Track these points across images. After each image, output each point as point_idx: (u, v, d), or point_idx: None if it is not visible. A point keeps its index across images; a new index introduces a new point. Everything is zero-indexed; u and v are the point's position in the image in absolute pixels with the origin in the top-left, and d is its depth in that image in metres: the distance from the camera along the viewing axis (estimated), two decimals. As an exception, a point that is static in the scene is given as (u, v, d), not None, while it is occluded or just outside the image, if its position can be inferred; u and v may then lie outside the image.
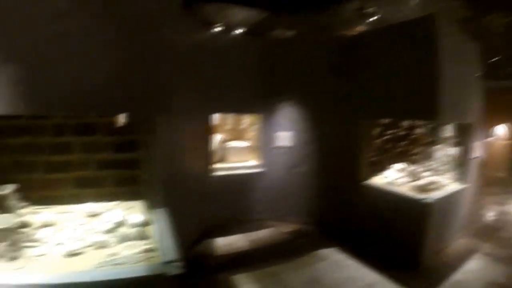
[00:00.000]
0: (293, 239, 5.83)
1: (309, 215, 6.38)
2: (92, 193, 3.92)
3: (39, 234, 3.12)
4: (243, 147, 7.25)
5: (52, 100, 2.69)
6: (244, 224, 6.17)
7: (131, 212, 3.74)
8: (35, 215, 3.46)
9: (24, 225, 3.15)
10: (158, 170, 3.82)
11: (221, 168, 6.61)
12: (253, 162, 6.98)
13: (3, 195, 3.21)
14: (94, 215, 3.64)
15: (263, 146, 6.76)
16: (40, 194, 3.74)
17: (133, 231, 3.22)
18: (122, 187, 4.08)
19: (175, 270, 2.31)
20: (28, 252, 2.87)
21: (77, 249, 2.91)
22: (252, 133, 7.64)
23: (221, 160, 7.00)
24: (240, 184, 6.55)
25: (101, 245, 3.01)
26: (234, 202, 6.40)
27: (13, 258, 2.74)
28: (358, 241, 5.33)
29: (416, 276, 4.46)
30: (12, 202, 3.36)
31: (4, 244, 2.68)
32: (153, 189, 3.62)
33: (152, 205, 3.55)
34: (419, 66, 4.54)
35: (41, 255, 2.86)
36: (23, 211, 3.42)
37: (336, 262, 4.90)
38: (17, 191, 3.36)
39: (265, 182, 6.64)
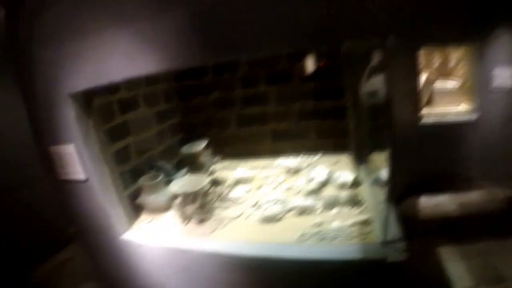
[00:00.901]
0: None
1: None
2: (291, 146, 3.06)
3: (233, 193, 2.44)
4: (451, 89, 5.15)
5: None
6: (452, 183, 4.76)
7: (337, 169, 2.63)
8: (229, 171, 2.87)
9: (217, 182, 2.56)
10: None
11: (426, 115, 4.75)
12: (463, 107, 4.89)
13: (195, 152, 2.74)
14: (294, 171, 2.68)
15: (476, 88, 4.48)
16: (234, 149, 3.23)
17: (342, 194, 2.23)
18: (324, 139, 3.01)
19: (396, 255, 1.60)
20: (219, 214, 2.20)
21: (275, 214, 2.08)
22: (462, 71, 5.02)
23: (426, 104, 5.14)
24: (447, 134, 4.60)
25: (304, 210, 2.11)
26: (440, 155, 4.57)
27: (203, 221, 2.10)
28: None
29: None
30: (205, 158, 2.89)
31: (194, 205, 2.05)
32: (362, 141, 2.70)
33: (360, 160, 2.70)
34: None
35: (234, 218, 2.14)
36: (216, 167, 2.89)
37: None
38: (209, 147, 2.87)
39: (478, 133, 4.34)
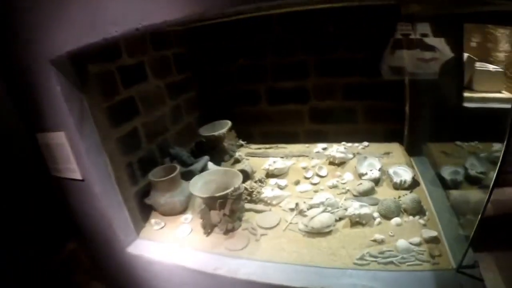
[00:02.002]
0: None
1: None
2: (332, 130, 2.53)
3: (266, 191, 1.94)
4: (495, 72, 4.40)
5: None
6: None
7: (390, 162, 2.13)
8: (258, 159, 2.38)
9: (245, 175, 2.08)
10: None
11: (467, 98, 4.09)
12: (506, 94, 4.06)
13: (218, 135, 2.24)
14: (339, 163, 2.16)
15: None
16: (263, 131, 2.69)
17: (403, 198, 1.76)
18: (373, 124, 2.46)
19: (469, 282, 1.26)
20: (251, 220, 1.76)
21: (324, 225, 1.63)
22: (508, 53, 4.18)
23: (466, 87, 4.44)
24: (489, 121, 3.69)
25: (359, 220, 1.66)
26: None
27: (231, 230, 1.66)
28: None
29: None
30: (228, 142, 2.40)
31: (221, 212, 1.60)
32: (419, 128, 2.23)
33: (414, 150, 2.27)
34: None
35: (270, 227, 1.68)
36: (241, 153, 2.40)
37: None
38: (233, 128, 2.36)
39: None
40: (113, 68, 1.75)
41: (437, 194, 1.90)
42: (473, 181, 2.02)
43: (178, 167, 1.86)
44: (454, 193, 1.95)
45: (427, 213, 1.67)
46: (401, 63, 2.17)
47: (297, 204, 1.82)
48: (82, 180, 1.53)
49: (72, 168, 1.51)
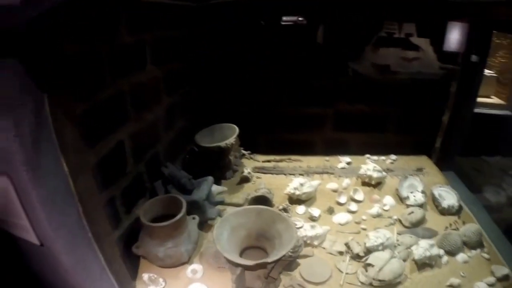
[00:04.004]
0: None
1: None
2: (357, 139, 2.09)
3: (300, 225, 1.47)
4: (489, 77, 4.60)
5: None
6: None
7: (429, 182, 1.85)
8: (269, 175, 1.87)
9: (265, 201, 1.57)
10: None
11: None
12: (496, 100, 4.22)
13: (225, 147, 1.67)
14: (375, 183, 1.78)
15: None
16: (272, 137, 2.16)
17: (466, 232, 1.50)
18: (402, 134, 2.12)
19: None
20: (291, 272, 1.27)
21: (394, 276, 1.27)
22: (503, 60, 4.39)
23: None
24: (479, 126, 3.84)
25: (425, 261, 1.36)
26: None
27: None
28: None
29: None
30: (234, 153, 1.84)
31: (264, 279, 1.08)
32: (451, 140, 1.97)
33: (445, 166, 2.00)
34: None
35: (319, 283, 1.27)
36: (250, 168, 1.87)
37: None
38: (241, 136, 1.81)
39: (509, 133, 3.69)
40: (103, 50, 1.06)
41: (486, 220, 1.70)
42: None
43: (184, 203, 1.27)
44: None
45: (485, 243, 1.47)
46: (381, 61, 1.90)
47: (348, 246, 1.39)
48: (41, 245, 0.87)
49: (23, 226, 0.84)
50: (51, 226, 0.84)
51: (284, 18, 1.88)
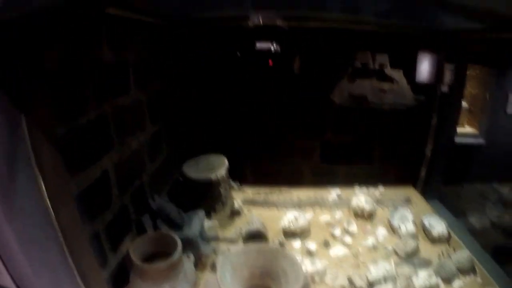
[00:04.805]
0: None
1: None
2: (346, 170, 2.11)
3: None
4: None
5: None
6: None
7: (417, 211, 1.87)
8: (260, 208, 1.78)
9: (259, 236, 1.47)
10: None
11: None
12: (468, 129, 4.55)
13: (215, 180, 1.59)
14: (368, 215, 1.75)
15: (488, 111, 3.98)
16: (260, 169, 2.11)
17: (459, 258, 1.50)
18: (388, 165, 2.17)
19: None
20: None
21: None
22: (472, 90, 4.88)
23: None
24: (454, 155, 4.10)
25: None
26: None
27: None
28: None
29: None
30: (225, 187, 1.75)
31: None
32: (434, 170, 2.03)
33: (430, 195, 2.05)
34: None
35: None
36: (239, 200, 1.78)
37: None
38: (230, 169, 1.75)
39: (483, 160, 4.00)
40: (85, 63, 0.98)
41: (474, 246, 1.72)
42: (495, 225, 1.91)
43: (178, 241, 1.14)
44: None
45: (476, 268, 1.48)
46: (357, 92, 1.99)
47: (351, 280, 1.31)
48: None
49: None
50: (30, 265, 0.70)
51: (259, 45, 1.88)
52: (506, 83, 3.65)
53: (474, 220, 1.91)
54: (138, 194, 1.34)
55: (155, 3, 1.31)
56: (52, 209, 0.81)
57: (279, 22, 1.62)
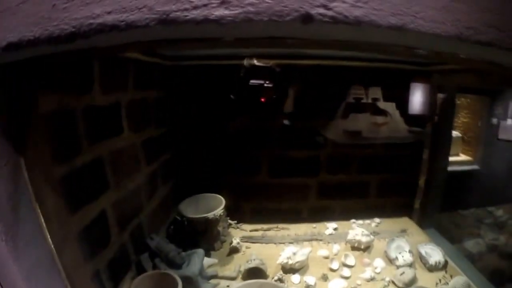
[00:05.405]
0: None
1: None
2: (342, 205, 2.15)
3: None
4: (455, 138, 5.14)
5: None
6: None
7: (414, 241, 1.87)
8: (258, 244, 1.78)
9: (259, 273, 1.46)
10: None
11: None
12: (463, 157, 4.68)
13: (212, 218, 1.61)
14: (364, 247, 1.77)
15: (481, 138, 4.23)
16: (257, 207, 2.13)
17: (456, 284, 1.51)
18: (384, 198, 2.20)
19: None
20: None
21: None
22: (465, 119, 5.08)
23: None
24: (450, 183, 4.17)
25: None
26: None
27: None
28: None
29: None
30: (223, 225, 1.77)
31: None
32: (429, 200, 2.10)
33: (425, 224, 2.12)
34: None
35: None
36: (235, 236, 1.78)
37: None
38: (227, 207, 1.77)
39: (479, 186, 4.08)
40: (77, 107, 1.03)
41: (471, 271, 1.73)
42: (491, 248, 1.93)
43: (179, 281, 1.14)
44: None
45: None
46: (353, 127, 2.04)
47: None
48: None
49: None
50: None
51: (252, 81, 1.93)
52: (496, 111, 3.86)
53: (471, 244, 1.93)
54: (136, 233, 1.35)
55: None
56: (55, 248, 0.83)
57: (271, 63, 1.74)
